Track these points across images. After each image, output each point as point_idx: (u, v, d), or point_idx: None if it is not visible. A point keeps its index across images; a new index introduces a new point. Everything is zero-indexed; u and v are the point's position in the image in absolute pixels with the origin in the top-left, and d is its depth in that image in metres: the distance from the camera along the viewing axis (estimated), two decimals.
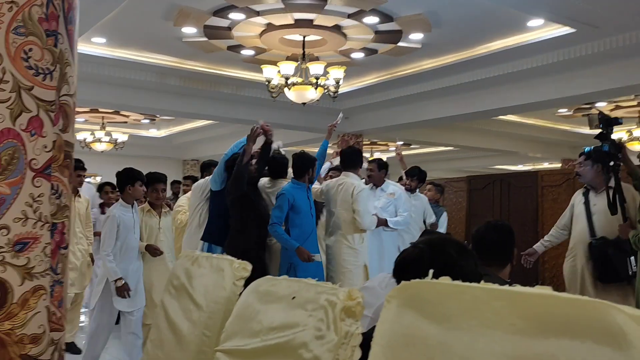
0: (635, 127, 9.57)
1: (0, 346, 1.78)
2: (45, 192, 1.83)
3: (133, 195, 4.19)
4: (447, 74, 7.32)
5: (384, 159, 5.68)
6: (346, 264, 4.53)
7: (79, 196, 5.09)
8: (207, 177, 4.85)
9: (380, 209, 5.09)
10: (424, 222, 5.74)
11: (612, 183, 3.83)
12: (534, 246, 4.64)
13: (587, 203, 4.22)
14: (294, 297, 1.35)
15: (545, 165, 15.27)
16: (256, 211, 4.37)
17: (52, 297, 1.86)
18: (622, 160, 3.76)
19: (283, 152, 4.95)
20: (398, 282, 1.65)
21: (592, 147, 3.48)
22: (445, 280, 1.02)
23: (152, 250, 4.19)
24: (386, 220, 5.00)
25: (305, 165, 4.47)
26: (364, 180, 5.31)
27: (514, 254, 2.51)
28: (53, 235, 1.85)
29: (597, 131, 3.63)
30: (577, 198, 4.37)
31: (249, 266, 1.74)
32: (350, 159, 4.85)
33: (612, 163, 3.65)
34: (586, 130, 11.34)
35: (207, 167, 5.19)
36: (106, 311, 4.03)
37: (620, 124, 3.63)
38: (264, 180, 4.74)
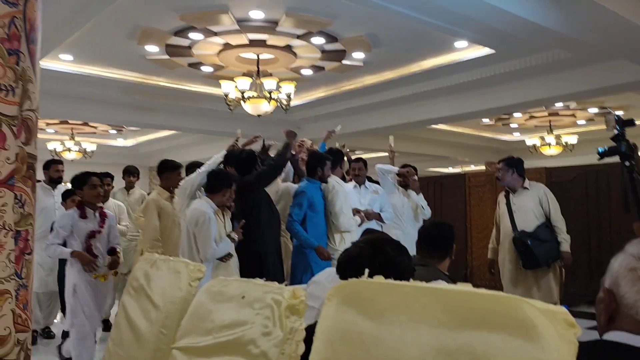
0: (546, 134, 9.92)
1: None
2: (9, 202, 1.73)
3: (223, 200, 3.62)
4: (386, 89, 7.40)
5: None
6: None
7: (172, 197, 4.43)
8: (188, 177, 4.24)
9: (367, 205, 4.71)
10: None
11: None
12: (489, 256, 4.62)
13: (508, 203, 4.34)
14: (243, 297, 1.31)
15: (472, 167, 15.66)
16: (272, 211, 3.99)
17: (17, 301, 1.76)
18: (636, 159, 3.63)
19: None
20: (341, 278, 1.63)
21: (606, 147, 3.30)
22: (379, 279, 1.01)
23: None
24: (379, 214, 4.68)
25: (316, 164, 4.14)
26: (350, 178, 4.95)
27: (453, 250, 2.55)
28: (17, 243, 1.75)
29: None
30: (500, 199, 4.49)
31: (203, 268, 1.69)
32: (333, 159, 4.38)
33: (627, 163, 3.38)
34: (505, 137, 11.73)
35: (192, 168, 4.51)
36: None
37: (634, 125, 3.33)
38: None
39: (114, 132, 11.31)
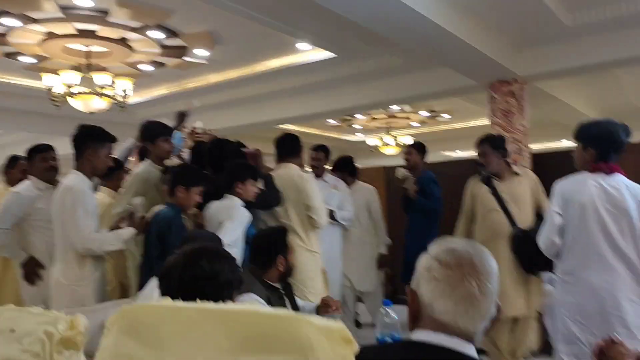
0: (384, 135, 10.58)
1: None
2: None
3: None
4: (232, 88, 7.27)
5: None
6: (307, 270, 3.21)
7: None
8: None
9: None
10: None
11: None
12: None
13: (495, 192, 3.45)
14: (12, 330, 1.10)
15: None
16: None
17: None
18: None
19: None
20: (162, 294, 1.48)
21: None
22: (166, 301, 0.91)
23: None
24: (332, 211, 3.92)
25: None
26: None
27: (277, 259, 2.43)
28: None
29: None
30: (476, 186, 3.59)
31: None
32: (290, 146, 3.66)
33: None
34: (350, 137, 12.25)
35: None
36: None
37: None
38: None
39: None
